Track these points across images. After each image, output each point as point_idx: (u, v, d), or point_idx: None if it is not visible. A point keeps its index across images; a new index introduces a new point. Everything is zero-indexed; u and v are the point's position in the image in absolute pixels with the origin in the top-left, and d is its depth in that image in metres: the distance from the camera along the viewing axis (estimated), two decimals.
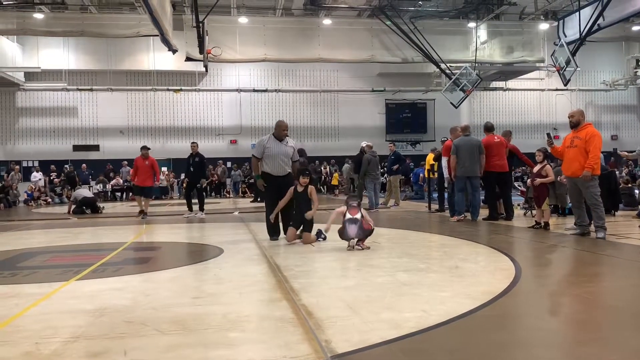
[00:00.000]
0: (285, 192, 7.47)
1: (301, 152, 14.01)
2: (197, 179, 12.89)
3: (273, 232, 7.62)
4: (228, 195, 24.36)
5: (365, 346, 2.95)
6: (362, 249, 6.51)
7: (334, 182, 25.15)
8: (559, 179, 8.56)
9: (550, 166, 8.83)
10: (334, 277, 5.00)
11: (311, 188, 7.30)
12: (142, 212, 12.73)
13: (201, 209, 12.76)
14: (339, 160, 26.24)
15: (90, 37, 21.44)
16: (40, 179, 22.06)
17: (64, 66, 24.49)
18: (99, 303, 4.08)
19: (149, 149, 13.51)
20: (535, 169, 8.72)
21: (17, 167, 22.78)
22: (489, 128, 10.63)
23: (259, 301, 4.11)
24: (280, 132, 7.63)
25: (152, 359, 2.82)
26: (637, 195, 11.86)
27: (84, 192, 15.90)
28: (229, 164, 25.96)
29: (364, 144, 13.86)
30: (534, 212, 9.14)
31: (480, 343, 3.05)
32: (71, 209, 14.83)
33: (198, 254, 6.79)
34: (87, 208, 14.79)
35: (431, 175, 14.01)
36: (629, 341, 3.04)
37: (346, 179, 22.93)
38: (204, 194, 13.57)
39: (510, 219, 10.05)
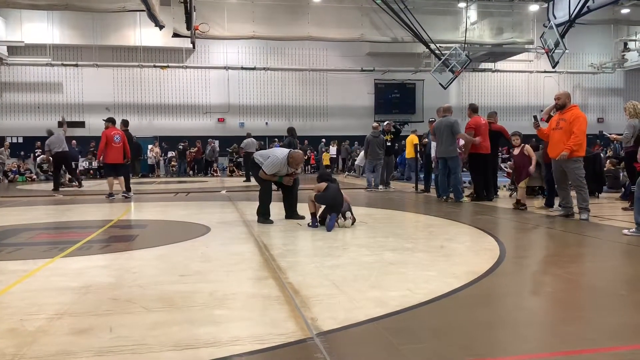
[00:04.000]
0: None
1: (291, 131, 14.03)
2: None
3: (267, 217, 7.43)
4: (215, 174, 24.29)
5: (350, 324, 2.98)
6: (350, 221, 6.75)
7: (325, 162, 25.10)
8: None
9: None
10: (321, 256, 5.03)
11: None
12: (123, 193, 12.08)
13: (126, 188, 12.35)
14: (327, 140, 26.25)
15: (75, 11, 20.96)
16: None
17: (49, 41, 23.96)
18: (84, 280, 4.07)
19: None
20: (516, 151, 8.90)
21: (7, 142, 22.39)
22: (475, 109, 10.67)
23: (245, 279, 4.13)
24: (292, 164, 7.49)
25: (138, 336, 2.83)
26: (621, 178, 12.00)
27: (59, 140, 14.43)
28: (216, 143, 25.82)
29: (385, 123, 14.47)
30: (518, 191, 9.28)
31: (464, 322, 3.09)
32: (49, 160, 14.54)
33: (185, 232, 6.77)
34: (62, 166, 14.49)
35: (413, 156, 14.32)
36: (608, 320, 3.10)
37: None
38: (128, 173, 12.83)
39: (491, 200, 10.17)
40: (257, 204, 7.57)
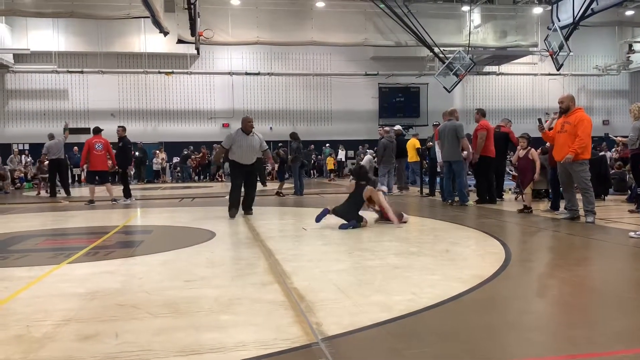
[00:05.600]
0: (251, 178, 8.97)
1: (294, 136, 14.06)
2: (120, 165, 12.58)
3: (233, 210, 8.65)
4: (220, 180, 24.32)
5: (355, 329, 2.98)
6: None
7: (330, 166, 25.06)
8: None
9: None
10: (326, 260, 5.02)
11: (370, 189, 7.32)
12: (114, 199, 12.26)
13: (125, 195, 12.50)
14: (332, 144, 26.26)
15: (80, 18, 21.11)
16: None
17: (54, 48, 24.14)
18: (90, 286, 4.09)
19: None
20: (521, 154, 8.84)
21: (17, 150, 22.67)
22: (484, 113, 10.66)
23: (250, 284, 4.13)
24: (246, 125, 8.69)
25: (144, 341, 2.83)
26: (627, 180, 11.95)
27: (57, 147, 14.58)
28: None
29: (396, 127, 14.53)
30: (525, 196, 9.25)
31: (470, 326, 3.08)
32: (44, 165, 14.61)
33: (190, 237, 6.78)
34: (57, 173, 14.54)
35: (415, 159, 14.34)
36: (615, 323, 3.08)
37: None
38: (128, 179, 13.02)
39: (493, 203, 10.14)
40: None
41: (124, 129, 12.91)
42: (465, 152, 10.16)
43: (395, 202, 11.51)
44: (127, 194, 12.59)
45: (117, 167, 12.77)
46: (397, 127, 14.69)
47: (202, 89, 26.69)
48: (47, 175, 15.31)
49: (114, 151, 12.67)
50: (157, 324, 3.14)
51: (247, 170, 8.88)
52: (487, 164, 10.19)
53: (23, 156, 22.50)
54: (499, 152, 10.61)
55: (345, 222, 7.05)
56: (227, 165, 25.06)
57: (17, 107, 25.34)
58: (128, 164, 12.77)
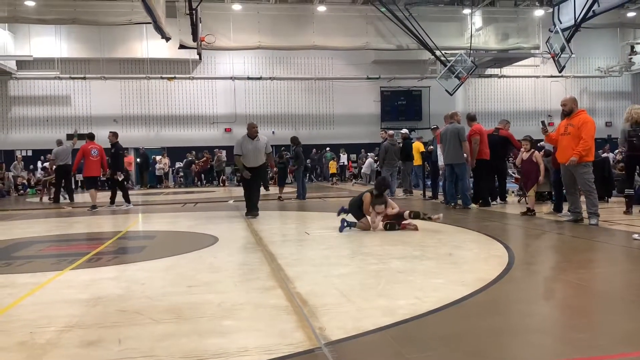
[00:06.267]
0: (258, 180, 9.62)
1: (295, 140, 14.07)
2: (115, 171, 12.62)
3: (250, 210, 9.32)
4: (223, 185, 24.34)
5: (358, 333, 2.98)
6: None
7: (332, 170, 25.05)
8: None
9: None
10: (328, 265, 5.02)
11: (367, 196, 7.41)
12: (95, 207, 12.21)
13: (126, 200, 12.57)
14: (334, 148, 26.26)
15: (82, 24, 21.20)
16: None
17: (57, 54, 24.19)
18: (93, 292, 4.09)
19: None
20: (525, 156, 8.81)
21: (20, 156, 22.79)
22: (473, 117, 10.74)
23: (253, 289, 4.12)
24: (251, 131, 9.28)
25: (147, 347, 2.83)
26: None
27: (65, 153, 14.58)
28: (223, 153, 25.89)
29: (403, 131, 14.52)
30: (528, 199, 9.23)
31: (473, 329, 3.07)
32: (50, 177, 14.66)
33: (193, 242, 6.78)
34: (64, 179, 14.64)
35: (419, 163, 14.32)
36: (618, 326, 3.07)
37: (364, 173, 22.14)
38: (125, 184, 13.05)
39: (487, 206, 10.13)
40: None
41: (115, 134, 12.94)
42: (466, 155, 10.16)
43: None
44: (127, 199, 12.64)
45: (109, 174, 12.83)
46: (404, 130, 14.63)
47: (204, 94, 26.75)
48: (51, 179, 15.34)
49: (107, 157, 12.80)
50: (160, 329, 3.14)
51: (254, 172, 9.32)
52: (483, 167, 10.22)
53: (39, 162, 22.53)
54: (500, 156, 10.61)
55: (346, 221, 7.21)
56: (228, 169, 25.42)
57: (20, 114, 25.42)
58: (120, 170, 12.80)
